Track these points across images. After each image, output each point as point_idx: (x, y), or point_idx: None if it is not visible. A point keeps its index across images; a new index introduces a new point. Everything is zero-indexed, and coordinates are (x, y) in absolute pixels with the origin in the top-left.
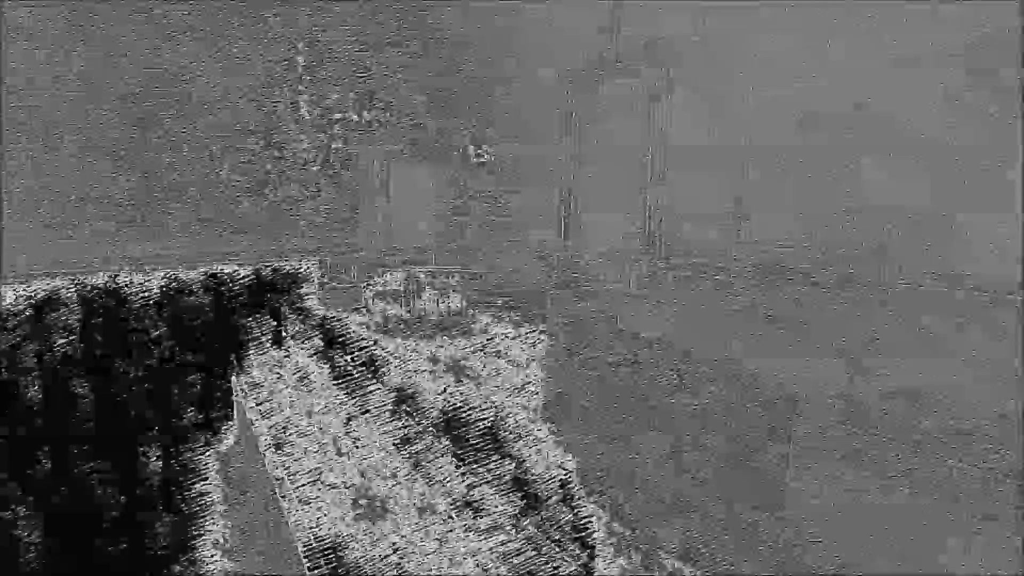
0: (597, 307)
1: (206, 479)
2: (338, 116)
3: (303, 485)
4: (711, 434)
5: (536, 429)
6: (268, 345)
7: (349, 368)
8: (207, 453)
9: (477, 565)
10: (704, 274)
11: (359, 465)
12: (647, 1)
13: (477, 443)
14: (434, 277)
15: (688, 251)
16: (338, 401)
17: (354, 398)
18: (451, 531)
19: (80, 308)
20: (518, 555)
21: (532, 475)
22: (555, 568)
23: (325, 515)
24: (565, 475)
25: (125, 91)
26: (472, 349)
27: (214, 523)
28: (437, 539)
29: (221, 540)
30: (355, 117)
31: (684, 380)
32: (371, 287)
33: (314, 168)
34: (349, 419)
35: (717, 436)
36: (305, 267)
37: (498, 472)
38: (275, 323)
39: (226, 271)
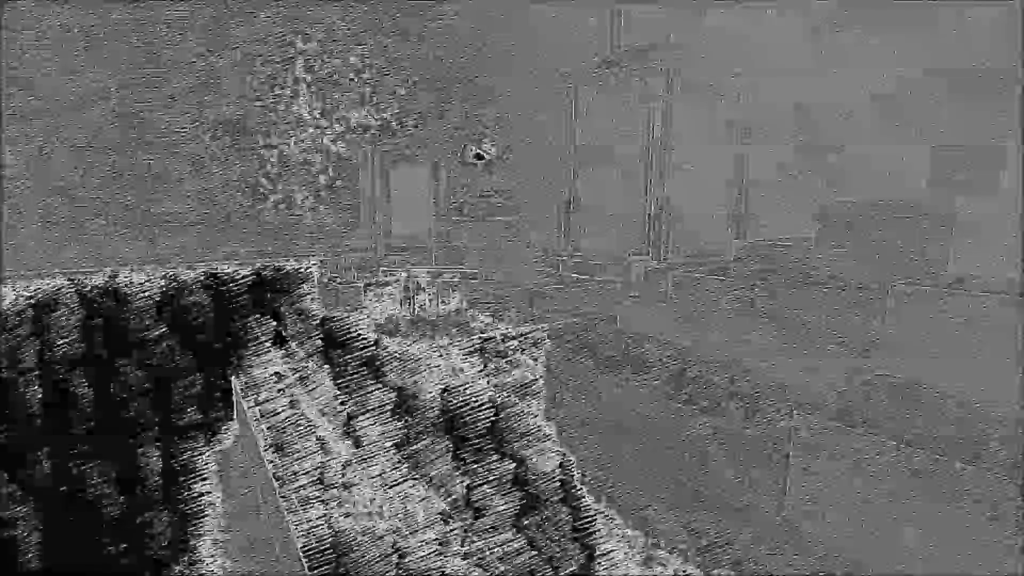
0: (597, 307)
1: (206, 479)
2: (338, 116)
3: (303, 485)
4: (711, 432)
5: (537, 428)
6: (268, 345)
7: (349, 368)
8: (207, 453)
9: (478, 565)
10: (704, 274)
11: (359, 465)
12: (647, 3)
13: (477, 443)
14: (434, 277)
15: (688, 251)
16: (338, 401)
17: (354, 398)
18: (451, 531)
19: (80, 308)
20: (518, 555)
21: (532, 475)
22: (555, 568)
23: (325, 515)
24: (565, 474)
25: (125, 92)
26: (472, 349)
27: (214, 523)
28: (437, 539)
29: (221, 540)
30: (355, 117)
31: (684, 379)
32: (371, 287)
33: (314, 168)
34: (349, 419)
35: (717, 434)
36: (305, 267)
37: (498, 472)
38: (275, 323)
39: (226, 271)
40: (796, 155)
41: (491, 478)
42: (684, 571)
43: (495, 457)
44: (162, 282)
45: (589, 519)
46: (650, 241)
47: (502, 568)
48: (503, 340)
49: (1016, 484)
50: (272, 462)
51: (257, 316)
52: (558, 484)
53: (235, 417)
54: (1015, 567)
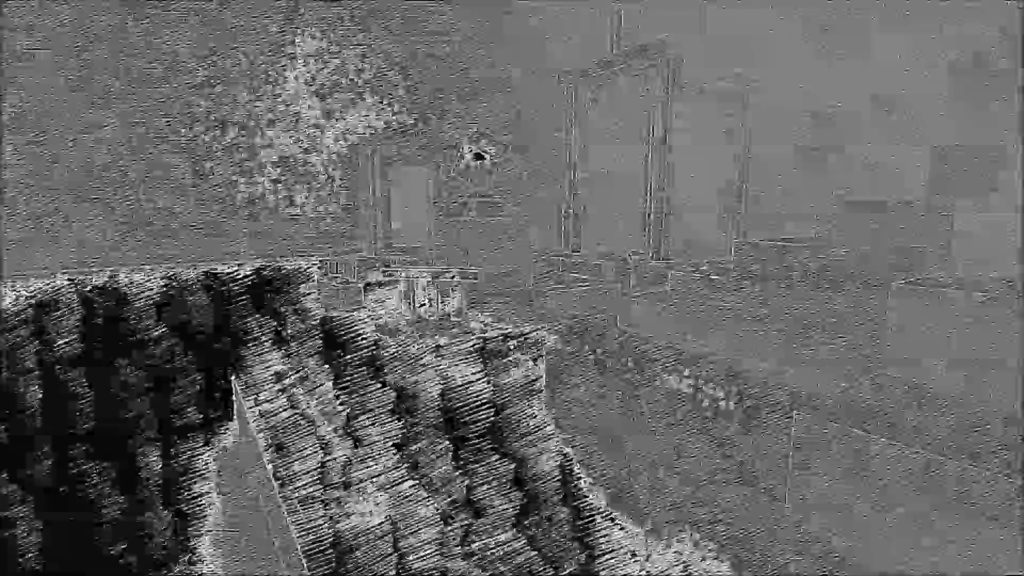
0: (597, 307)
1: (206, 479)
2: (338, 116)
3: (303, 485)
4: (711, 431)
5: (537, 428)
6: (268, 345)
7: (349, 368)
8: (207, 453)
9: (478, 565)
10: (704, 274)
11: (359, 465)
12: (647, 3)
13: (477, 443)
14: (434, 277)
15: (688, 251)
16: (338, 401)
17: (354, 398)
18: (451, 531)
19: (80, 308)
20: (518, 555)
21: (532, 475)
22: (555, 568)
23: (326, 515)
24: (565, 474)
25: (125, 93)
26: (472, 349)
27: (214, 523)
28: (437, 539)
29: (221, 540)
30: (355, 118)
31: (684, 378)
32: (371, 287)
33: (314, 168)
34: (349, 419)
35: (717, 433)
36: (305, 267)
37: (498, 472)
38: (275, 323)
39: (226, 271)
40: (796, 156)
41: (491, 478)
42: (684, 570)
43: (495, 457)
44: (162, 282)
45: (589, 519)
46: (650, 241)
47: (502, 568)
48: (503, 340)
49: (1016, 484)
50: (272, 462)
51: (257, 316)
52: (558, 484)
53: (235, 417)
54: (1015, 568)
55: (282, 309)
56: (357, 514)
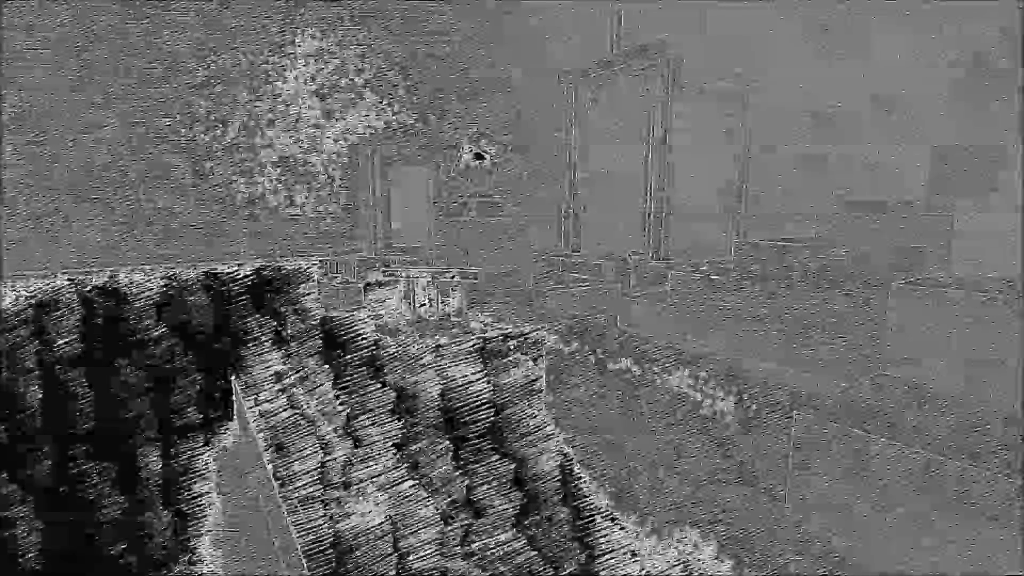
0: (597, 307)
1: (206, 479)
2: (338, 117)
3: (303, 485)
4: (711, 431)
5: (537, 428)
6: (268, 345)
7: (349, 368)
8: (207, 453)
9: (478, 565)
10: (704, 274)
11: (359, 465)
12: (648, 3)
13: (477, 443)
14: (434, 277)
15: (688, 251)
16: (338, 401)
17: (354, 398)
18: (451, 531)
19: (80, 308)
20: (518, 555)
21: (532, 475)
22: (555, 568)
23: (326, 515)
24: (566, 473)
25: (125, 93)
26: (472, 349)
27: (214, 523)
28: (437, 539)
29: (221, 540)
30: (355, 118)
31: (684, 378)
32: (371, 287)
33: (314, 168)
34: (349, 419)
35: (717, 433)
36: (305, 267)
37: (498, 472)
38: (275, 323)
39: (226, 271)
40: (796, 156)
41: (491, 478)
42: (684, 569)
43: (495, 457)
44: (162, 282)
45: (589, 519)
46: (650, 241)
47: (502, 568)
48: (503, 340)
49: (1016, 484)
50: (272, 462)
51: (257, 316)
52: (558, 484)
53: (235, 417)
54: (1015, 568)
55: (282, 309)
56: (357, 514)
